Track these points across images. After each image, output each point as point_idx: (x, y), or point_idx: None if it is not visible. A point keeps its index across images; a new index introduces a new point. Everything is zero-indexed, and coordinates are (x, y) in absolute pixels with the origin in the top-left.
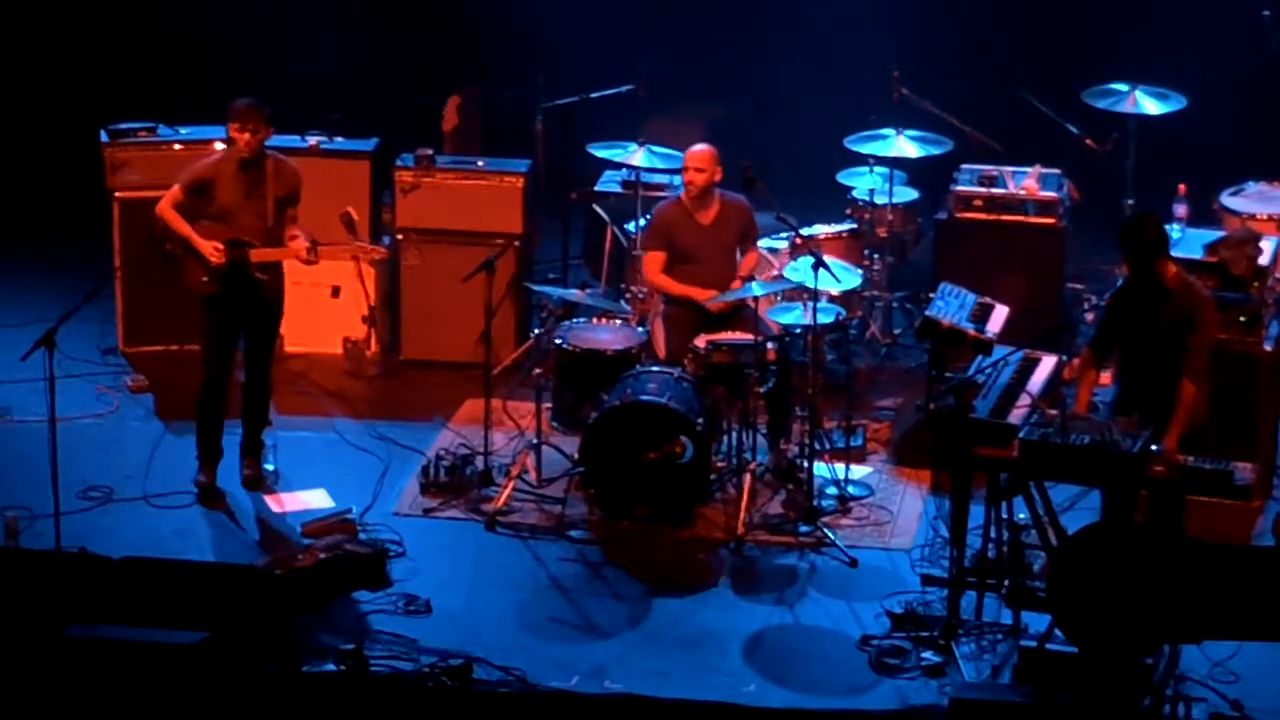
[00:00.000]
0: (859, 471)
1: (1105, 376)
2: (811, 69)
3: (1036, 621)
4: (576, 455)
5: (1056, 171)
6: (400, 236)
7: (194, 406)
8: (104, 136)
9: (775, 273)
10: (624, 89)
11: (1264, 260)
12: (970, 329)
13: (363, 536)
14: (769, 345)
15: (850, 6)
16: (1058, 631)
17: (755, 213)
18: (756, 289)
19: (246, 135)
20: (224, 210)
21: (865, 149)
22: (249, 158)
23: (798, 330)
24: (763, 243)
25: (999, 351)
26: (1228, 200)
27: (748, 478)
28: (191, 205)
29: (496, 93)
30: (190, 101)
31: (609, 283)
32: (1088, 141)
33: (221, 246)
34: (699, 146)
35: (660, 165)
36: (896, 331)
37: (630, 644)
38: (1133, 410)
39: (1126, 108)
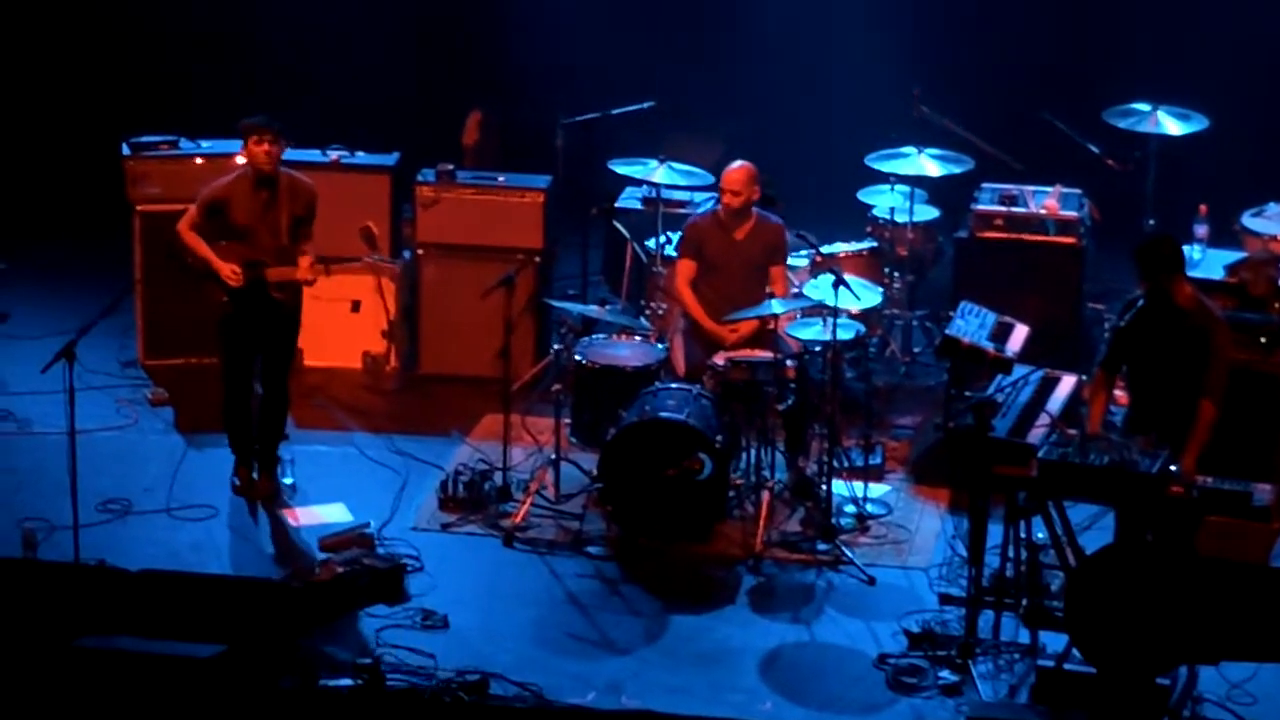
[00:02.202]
0: (877, 490)
1: (1123, 397)
2: (832, 86)
3: (1054, 641)
4: (595, 471)
5: (1077, 191)
6: (420, 251)
7: (221, 421)
8: (125, 149)
9: (795, 290)
10: (645, 105)
11: None
12: (990, 348)
13: (380, 551)
14: (788, 363)
15: (872, 24)
16: (1075, 651)
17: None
18: (776, 306)
19: (265, 147)
20: (240, 229)
21: (886, 167)
22: (269, 172)
23: (817, 348)
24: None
25: (1019, 370)
26: (1249, 221)
27: (766, 495)
28: (209, 225)
29: (516, 109)
30: (212, 115)
31: (629, 299)
32: (1109, 161)
33: (239, 270)
34: (735, 166)
35: (681, 182)
36: (916, 350)
37: (647, 660)
38: (1144, 429)
39: (1148, 128)
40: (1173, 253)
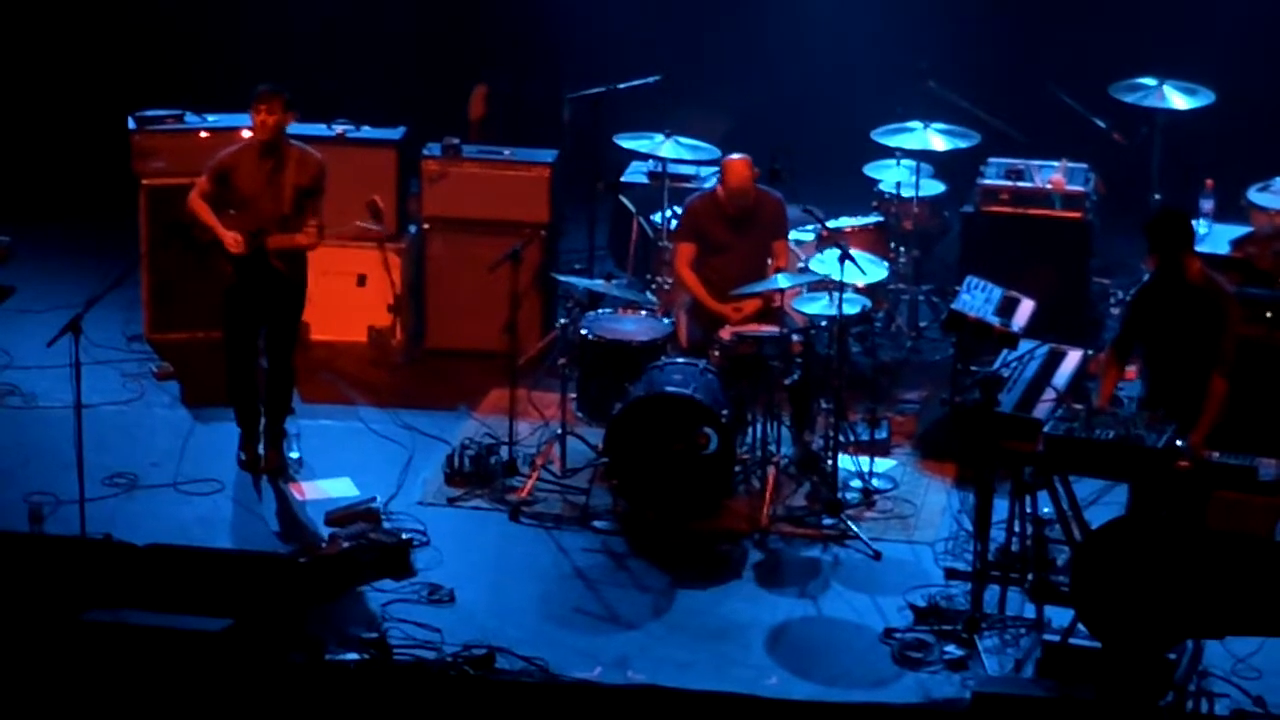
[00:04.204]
0: (883, 464)
1: (1130, 372)
2: (839, 60)
3: (1060, 616)
4: (601, 446)
5: (1084, 166)
6: (426, 225)
7: (226, 394)
8: (131, 123)
9: (801, 264)
10: (651, 79)
11: None
12: (996, 322)
13: (387, 525)
14: (794, 337)
15: None
16: (1081, 626)
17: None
18: (782, 281)
19: (261, 117)
20: (244, 198)
21: (892, 142)
22: (268, 140)
23: (823, 323)
24: (789, 235)
25: (1024, 345)
26: (1255, 196)
27: (772, 470)
28: (217, 194)
29: (522, 83)
30: (218, 89)
31: (635, 273)
32: (1115, 136)
33: (242, 237)
34: (739, 163)
35: (687, 156)
36: (922, 324)
37: (653, 635)
38: (1159, 406)
39: (1155, 102)
40: (1183, 227)
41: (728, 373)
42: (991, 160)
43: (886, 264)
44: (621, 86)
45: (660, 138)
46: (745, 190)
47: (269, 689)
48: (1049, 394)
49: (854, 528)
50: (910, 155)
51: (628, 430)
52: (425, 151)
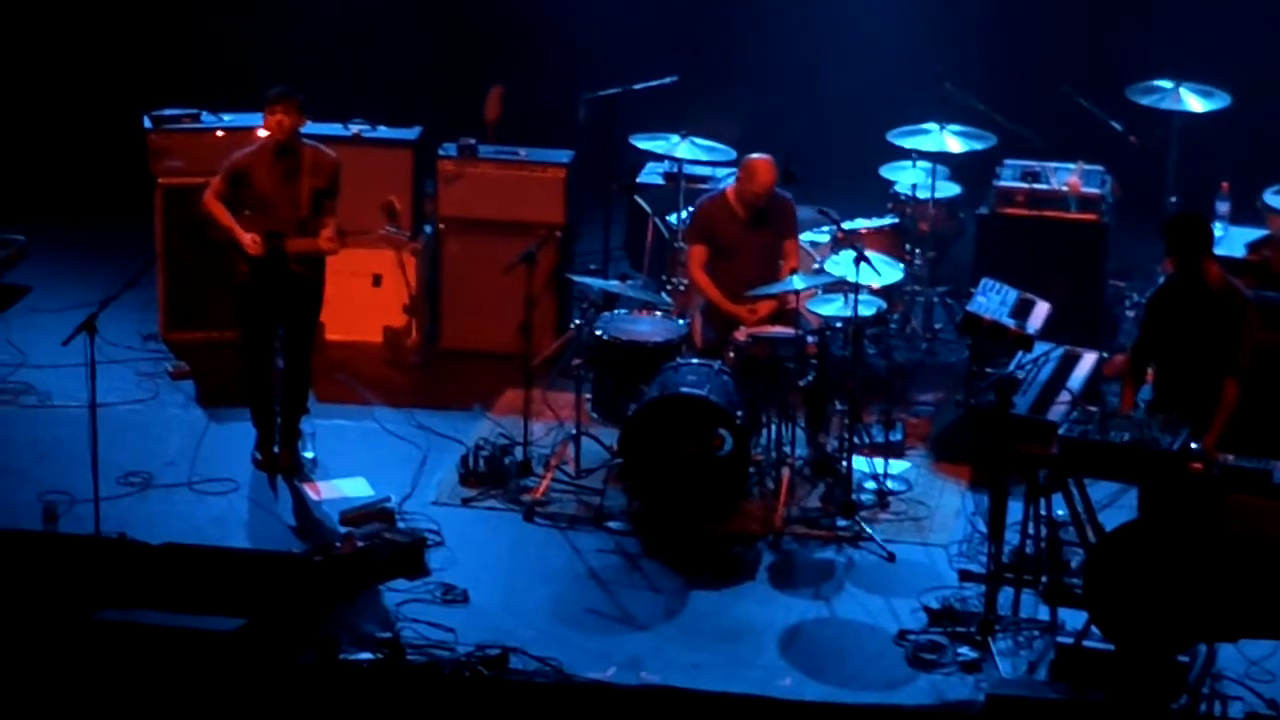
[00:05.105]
0: (898, 466)
1: (1152, 375)
2: (855, 61)
3: (1074, 618)
4: (616, 447)
5: (1100, 168)
6: (442, 226)
7: (240, 394)
8: (148, 123)
9: (816, 266)
10: (667, 80)
11: None
12: (1011, 325)
13: (401, 525)
14: (809, 339)
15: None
16: (1095, 629)
17: (797, 205)
18: (797, 283)
19: (277, 118)
20: (260, 199)
21: (908, 143)
22: (283, 141)
23: (838, 324)
24: (804, 236)
25: (1040, 347)
26: (1271, 199)
27: (786, 471)
28: (232, 195)
29: (538, 83)
30: (235, 88)
31: (650, 274)
32: (1131, 138)
33: (259, 238)
34: (765, 163)
35: (703, 157)
36: (937, 326)
37: (667, 636)
38: (1168, 407)
39: (1171, 105)
40: (1202, 231)
41: (742, 374)
42: (1007, 162)
43: (902, 266)
44: (637, 87)
45: (676, 139)
46: (767, 191)
47: (282, 689)
48: (1064, 397)
49: (868, 529)
50: (926, 157)
51: (642, 431)
52: (441, 152)
